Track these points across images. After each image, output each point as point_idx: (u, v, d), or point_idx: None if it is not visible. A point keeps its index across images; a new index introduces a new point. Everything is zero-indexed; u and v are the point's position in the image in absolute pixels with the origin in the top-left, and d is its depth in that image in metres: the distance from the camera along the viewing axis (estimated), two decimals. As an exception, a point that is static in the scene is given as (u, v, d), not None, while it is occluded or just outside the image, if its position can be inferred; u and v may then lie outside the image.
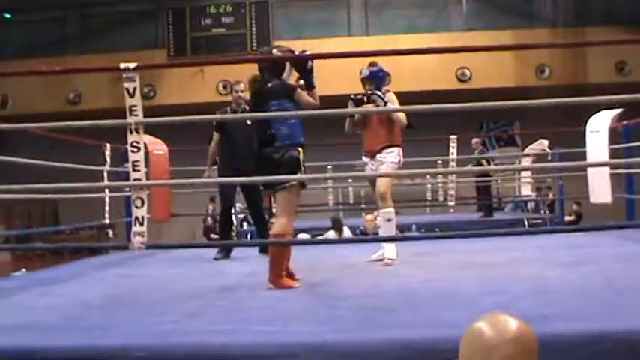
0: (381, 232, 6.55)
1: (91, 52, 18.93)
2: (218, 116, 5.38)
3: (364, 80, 6.62)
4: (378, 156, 6.54)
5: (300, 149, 5.15)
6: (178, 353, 3.15)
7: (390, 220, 6.37)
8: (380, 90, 6.49)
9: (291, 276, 5.18)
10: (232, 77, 17.76)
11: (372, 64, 6.63)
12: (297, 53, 5.52)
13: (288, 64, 5.34)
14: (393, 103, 6.51)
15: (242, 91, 7.46)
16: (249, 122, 6.68)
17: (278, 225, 5.14)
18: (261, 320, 3.80)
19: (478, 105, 5.93)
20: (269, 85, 5.28)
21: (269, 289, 4.94)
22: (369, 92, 6.46)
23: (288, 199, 5.11)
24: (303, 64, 5.33)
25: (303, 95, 5.26)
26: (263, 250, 7.11)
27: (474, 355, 1.64)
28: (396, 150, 6.55)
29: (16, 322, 3.98)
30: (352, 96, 6.48)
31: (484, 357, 1.62)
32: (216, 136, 7.47)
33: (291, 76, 5.39)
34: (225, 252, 7.41)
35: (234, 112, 7.54)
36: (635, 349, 3.03)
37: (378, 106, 6.36)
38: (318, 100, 5.30)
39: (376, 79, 6.57)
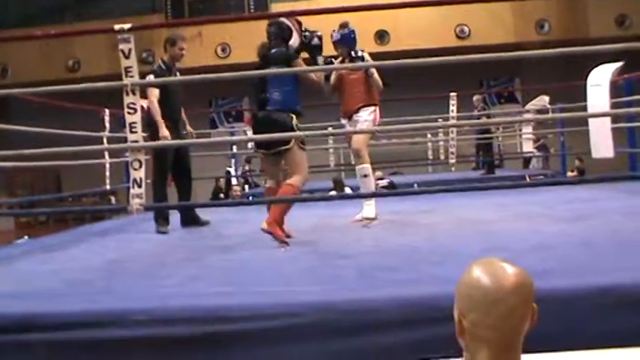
0: (361, 189, 6.56)
1: (88, 19, 18.80)
2: (212, 75, 5.31)
3: (336, 43, 6.55)
4: (354, 116, 6.53)
5: (292, 115, 5.35)
6: (179, 316, 3.14)
7: (366, 176, 6.37)
8: (351, 52, 6.43)
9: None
10: (231, 41, 17.78)
11: (342, 26, 6.54)
12: (307, 30, 5.63)
13: (295, 33, 5.49)
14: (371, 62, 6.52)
15: (183, 49, 6.96)
16: None
17: (293, 179, 5.32)
18: (262, 281, 3.79)
19: (477, 57, 5.85)
20: (273, 50, 5.50)
21: (262, 229, 5.11)
22: (354, 55, 6.41)
23: (293, 158, 5.35)
24: (308, 40, 5.54)
25: (301, 64, 5.48)
26: (186, 223, 6.90)
27: (479, 308, 1.61)
28: (371, 108, 6.52)
29: (18, 288, 3.97)
30: (324, 59, 6.10)
31: (489, 309, 1.60)
32: (156, 92, 6.57)
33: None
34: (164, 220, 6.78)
35: (168, 69, 6.80)
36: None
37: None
38: (321, 78, 5.67)
39: (348, 40, 6.49)
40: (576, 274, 3.43)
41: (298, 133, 5.33)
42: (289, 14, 5.96)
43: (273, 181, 5.67)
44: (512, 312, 1.59)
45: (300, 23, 5.63)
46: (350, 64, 6.44)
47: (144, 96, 6.15)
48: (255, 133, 5.67)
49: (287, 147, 5.30)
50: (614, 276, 3.26)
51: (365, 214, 6.23)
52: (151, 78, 6.49)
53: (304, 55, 5.65)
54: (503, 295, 1.59)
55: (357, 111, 6.50)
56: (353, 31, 6.53)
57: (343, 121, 6.75)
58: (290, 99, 5.40)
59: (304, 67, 5.48)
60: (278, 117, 5.33)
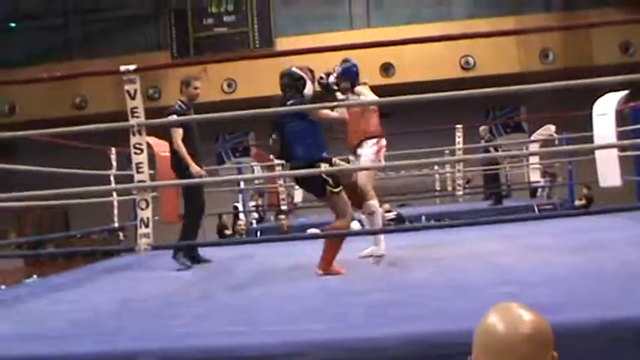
0: (367, 227, 6.46)
1: (94, 57, 18.95)
2: (218, 115, 5.37)
3: (338, 77, 6.40)
4: (358, 150, 6.39)
5: (320, 164, 5.49)
6: (189, 357, 3.13)
7: (372, 213, 6.22)
8: (354, 85, 6.32)
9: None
10: (236, 76, 17.88)
11: (344, 61, 6.48)
12: (321, 75, 5.86)
13: (309, 82, 5.65)
14: (362, 94, 6.32)
15: (198, 88, 7.13)
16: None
17: (337, 223, 5.64)
18: (271, 320, 3.78)
19: (481, 92, 5.84)
20: (289, 102, 5.60)
21: (318, 274, 5.40)
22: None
23: (333, 203, 5.58)
24: (325, 84, 5.80)
25: (321, 112, 5.58)
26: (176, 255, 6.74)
27: (491, 355, 1.60)
28: (372, 141, 6.33)
29: (27, 330, 3.98)
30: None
31: (501, 357, 1.59)
32: (181, 132, 6.72)
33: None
34: (190, 258, 6.77)
35: (188, 108, 6.95)
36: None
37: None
38: (345, 115, 5.75)
39: (350, 74, 6.37)
40: (587, 307, 3.42)
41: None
42: (294, 53, 6.00)
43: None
44: None
45: (312, 71, 5.78)
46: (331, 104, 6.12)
47: (165, 137, 6.26)
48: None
49: (326, 196, 5.55)
50: (626, 309, 3.25)
51: (374, 252, 6.13)
52: (173, 118, 6.54)
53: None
54: (516, 343, 1.58)
55: (359, 145, 6.37)
56: (355, 65, 6.46)
57: (351, 157, 6.65)
58: (314, 150, 5.56)
59: (323, 113, 5.61)
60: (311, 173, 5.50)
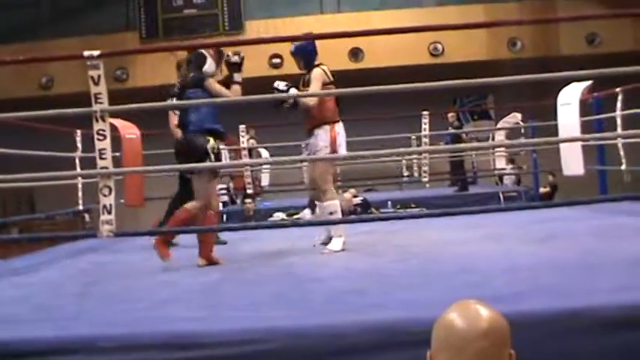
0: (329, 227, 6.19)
1: (63, 35, 18.72)
2: (182, 102, 5.39)
3: (292, 55, 6.33)
4: (311, 138, 6.19)
5: (209, 137, 5.53)
6: (149, 342, 3.13)
7: (332, 214, 6.01)
8: (310, 65, 6.17)
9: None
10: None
11: (304, 36, 6.41)
12: (229, 53, 5.81)
13: (210, 59, 5.64)
14: (313, 80, 6.10)
15: None
16: None
17: (190, 204, 5.56)
18: (232, 306, 3.80)
19: (448, 84, 5.83)
20: (190, 75, 5.70)
21: (199, 265, 5.49)
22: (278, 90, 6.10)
23: (199, 184, 5.58)
24: (228, 59, 5.76)
25: (213, 85, 5.61)
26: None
27: (448, 349, 1.63)
28: (323, 129, 6.11)
29: (-12, 314, 3.95)
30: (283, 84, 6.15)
31: (458, 351, 1.62)
32: (174, 116, 7.04)
33: (217, 69, 5.77)
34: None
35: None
36: (610, 325, 3.03)
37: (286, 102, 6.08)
38: (239, 93, 5.68)
39: (303, 53, 6.23)
40: (546, 296, 3.45)
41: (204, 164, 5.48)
42: (263, 41, 6.00)
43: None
44: (481, 355, 1.61)
45: (219, 52, 5.80)
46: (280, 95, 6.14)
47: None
48: (179, 155, 6.07)
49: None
50: (584, 298, 3.29)
51: (332, 247, 5.92)
52: (173, 100, 6.68)
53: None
54: (473, 337, 1.61)
55: (311, 131, 6.17)
56: (311, 44, 6.25)
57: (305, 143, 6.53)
58: (207, 119, 5.56)
59: (216, 88, 5.62)
60: (195, 140, 5.54)
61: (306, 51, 6.23)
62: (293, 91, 6.06)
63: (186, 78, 5.78)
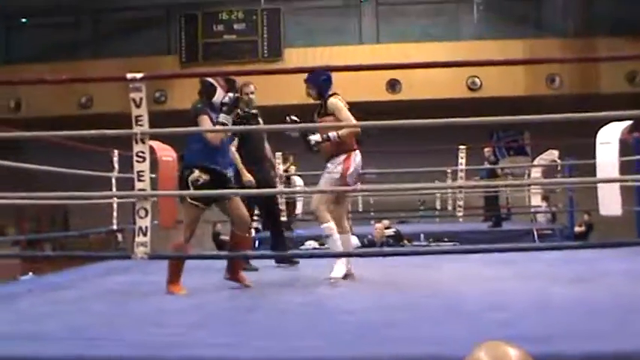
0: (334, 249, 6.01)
1: (103, 56, 19.03)
2: (219, 127, 5.40)
3: (306, 83, 6.20)
4: (326, 163, 6.09)
5: (195, 170, 5.48)
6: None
7: (328, 237, 5.94)
8: (322, 96, 6.07)
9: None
10: (243, 82, 17.86)
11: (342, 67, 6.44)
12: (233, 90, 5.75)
13: (219, 89, 5.57)
14: (338, 110, 5.98)
15: (252, 93, 7.34)
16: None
17: (176, 240, 5.60)
18: (262, 334, 3.79)
19: (485, 119, 5.81)
20: (194, 106, 5.66)
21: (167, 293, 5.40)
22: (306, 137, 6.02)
23: (184, 213, 5.67)
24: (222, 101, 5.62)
25: (203, 122, 5.53)
26: (280, 260, 7.29)
27: None
28: (340, 158, 6.01)
29: (20, 330, 3.98)
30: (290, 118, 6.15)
31: None
32: (235, 141, 7.11)
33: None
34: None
35: (245, 115, 7.22)
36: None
37: (311, 142, 5.98)
38: (216, 140, 5.50)
39: (315, 82, 6.12)
40: (577, 339, 3.41)
41: (189, 192, 5.51)
42: (302, 70, 6.02)
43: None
44: None
45: (229, 81, 5.71)
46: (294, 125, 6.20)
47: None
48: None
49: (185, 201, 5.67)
50: (617, 343, 3.25)
51: (332, 274, 5.83)
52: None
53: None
54: None
55: (327, 161, 6.06)
56: (324, 73, 6.15)
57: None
58: (197, 156, 5.53)
59: (204, 125, 5.55)
60: (182, 173, 5.64)
61: (319, 80, 6.12)
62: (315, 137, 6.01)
63: (192, 107, 5.68)
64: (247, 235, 5.79)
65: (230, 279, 5.71)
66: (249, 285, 5.71)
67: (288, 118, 6.10)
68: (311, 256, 7.70)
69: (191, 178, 5.45)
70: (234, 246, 5.76)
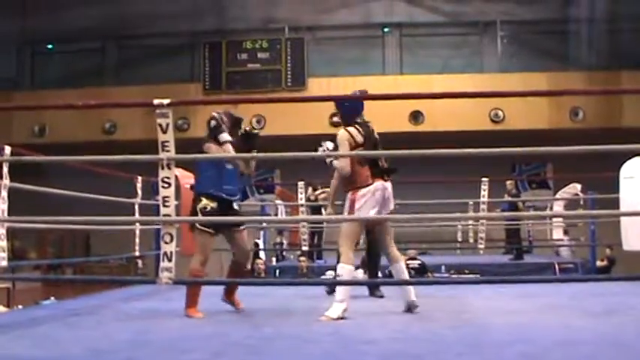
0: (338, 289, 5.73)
1: (127, 83, 19.22)
2: (241, 155, 5.46)
3: (335, 107, 6.27)
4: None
5: (202, 198, 5.75)
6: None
7: (339, 276, 5.72)
8: (347, 122, 5.94)
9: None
10: (266, 113, 17.98)
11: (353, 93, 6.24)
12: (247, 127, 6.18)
13: (223, 126, 5.89)
14: (339, 145, 5.84)
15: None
16: None
17: (191, 264, 5.80)
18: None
19: (508, 151, 5.78)
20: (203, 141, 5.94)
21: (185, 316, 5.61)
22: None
23: (196, 239, 5.82)
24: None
25: (210, 149, 5.85)
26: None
27: None
28: (349, 194, 5.84)
29: (42, 354, 4.00)
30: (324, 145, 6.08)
31: None
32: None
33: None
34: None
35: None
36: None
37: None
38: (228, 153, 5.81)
39: (343, 109, 6.06)
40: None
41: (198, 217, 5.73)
42: (323, 99, 6.04)
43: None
44: None
45: (232, 118, 6.08)
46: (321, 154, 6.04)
47: None
48: None
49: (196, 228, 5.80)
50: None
51: (329, 314, 5.51)
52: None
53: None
54: None
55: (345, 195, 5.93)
56: (350, 101, 6.11)
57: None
58: (205, 184, 5.81)
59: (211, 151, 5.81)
60: (193, 202, 5.85)
61: (344, 107, 6.10)
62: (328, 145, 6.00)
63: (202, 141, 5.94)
64: (246, 267, 6.18)
65: (226, 301, 6.04)
66: (243, 308, 6.01)
67: (322, 144, 6.04)
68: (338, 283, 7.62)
69: (199, 206, 5.72)
70: (234, 274, 6.06)
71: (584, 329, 4.90)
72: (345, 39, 20.11)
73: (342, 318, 5.51)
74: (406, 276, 6.18)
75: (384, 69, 19.90)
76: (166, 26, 20.08)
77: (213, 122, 5.87)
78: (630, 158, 8.09)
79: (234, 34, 19.88)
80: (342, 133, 5.89)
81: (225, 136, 5.77)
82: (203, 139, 5.88)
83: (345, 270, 5.67)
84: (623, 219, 8.15)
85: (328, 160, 5.87)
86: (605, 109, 17.62)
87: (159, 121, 4.74)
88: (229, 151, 5.77)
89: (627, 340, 4.44)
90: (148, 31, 20.25)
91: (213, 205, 5.69)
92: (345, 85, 17.32)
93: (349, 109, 6.06)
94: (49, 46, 21.07)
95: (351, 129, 5.90)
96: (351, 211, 5.78)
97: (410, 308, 5.85)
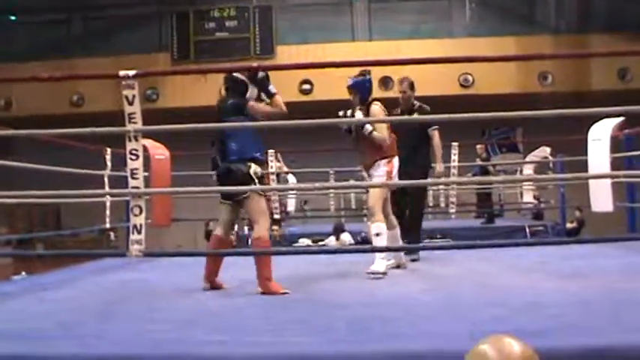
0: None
1: (95, 54, 18.96)
2: (212, 125, 5.38)
3: (349, 89, 6.47)
4: (370, 171, 6.45)
5: (250, 164, 5.37)
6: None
7: (378, 235, 6.13)
8: (365, 100, 6.34)
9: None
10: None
11: (360, 74, 6.49)
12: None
13: (251, 86, 5.50)
14: (376, 116, 6.30)
15: (404, 92, 7.70)
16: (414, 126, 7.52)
17: (257, 230, 5.42)
18: (255, 330, 3.79)
19: (477, 116, 5.86)
20: (229, 102, 5.52)
21: (259, 292, 5.12)
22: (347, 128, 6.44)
23: (252, 207, 5.42)
24: (254, 77, 5.53)
25: (258, 108, 5.50)
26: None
27: None
28: (383, 161, 6.37)
29: (13, 328, 3.97)
30: (341, 114, 6.42)
31: None
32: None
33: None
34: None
35: (403, 112, 7.61)
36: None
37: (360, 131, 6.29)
38: (282, 106, 5.49)
39: (360, 89, 6.40)
40: (571, 334, 3.42)
41: (254, 187, 5.37)
42: (293, 67, 6.01)
43: (224, 230, 5.64)
44: None
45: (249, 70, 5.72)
46: (339, 120, 6.42)
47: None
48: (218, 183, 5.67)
49: (245, 196, 5.38)
50: (611, 338, 3.26)
51: (373, 267, 5.97)
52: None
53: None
54: None
55: (372, 165, 6.42)
56: (368, 80, 6.44)
57: (364, 173, 6.69)
58: (248, 147, 5.42)
59: (263, 109, 5.51)
60: (235, 167, 5.37)
61: (364, 87, 6.41)
62: (359, 115, 6.28)
63: (222, 104, 5.58)
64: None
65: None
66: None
67: (341, 112, 6.38)
68: (318, 252, 7.65)
69: (252, 172, 5.33)
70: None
71: (553, 291, 4.95)
72: (314, 6, 19.97)
73: (399, 266, 6.36)
74: (399, 243, 6.67)
75: (353, 35, 19.82)
76: (133, -4, 19.89)
77: (261, 74, 5.51)
78: (598, 121, 8.15)
79: (201, 2, 19.69)
80: (377, 106, 6.30)
81: (273, 88, 5.51)
82: (237, 103, 5.46)
83: (382, 227, 6.15)
84: (591, 181, 8.23)
85: (368, 130, 6.22)
86: (574, 73, 17.71)
87: (125, 92, 4.69)
88: (281, 102, 5.51)
89: (593, 301, 4.50)
90: (114, 2, 20.00)
91: (259, 170, 5.43)
92: (315, 52, 17.28)
93: (368, 88, 6.44)
94: (12, 18, 20.71)
95: (379, 104, 6.34)
96: (389, 175, 6.34)
97: (399, 266, 6.56)
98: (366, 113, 6.28)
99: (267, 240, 5.46)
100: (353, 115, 6.29)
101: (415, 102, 7.72)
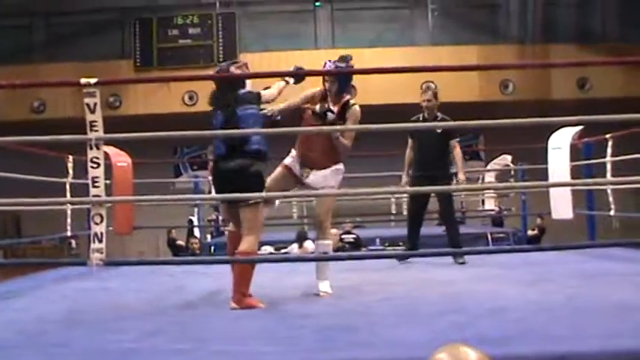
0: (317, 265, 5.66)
1: (57, 60, 18.77)
2: (175, 133, 5.34)
3: (327, 75, 5.73)
4: (321, 171, 5.57)
5: (263, 163, 5.02)
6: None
7: (325, 254, 5.61)
8: (343, 91, 5.64)
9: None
10: (198, 89, 17.81)
11: (342, 59, 5.81)
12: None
13: (248, 81, 5.32)
14: (352, 121, 5.61)
15: (429, 100, 7.81)
16: (439, 130, 7.76)
17: (246, 242, 4.96)
18: (220, 339, 3.78)
19: (439, 124, 5.91)
20: (240, 92, 5.17)
21: (232, 308, 4.86)
22: (324, 110, 5.57)
23: (254, 214, 5.00)
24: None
25: (269, 93, 5.43)
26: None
27: None
28: (338, 167, 5.63)
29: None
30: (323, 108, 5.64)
31: None
32: (410, 142, 8.18)
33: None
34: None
35: (426, 120, 7.82)
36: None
37: (328, 120, 5.54)
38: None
39: (341, 77, 5.66)
40: (532, 341, 3.47)
41: (256, 194, 4.93)
42: (256, 76, 5.96)
43: (235, 226, 5.24)
44: None
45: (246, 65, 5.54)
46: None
47: None
48: (219, 181, 5.19)
49: (252, 202, 4.94)
50: (571, 344, 3.31)
51: (321, 288, 5.50)
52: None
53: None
54: None
55: (323, 168, 5.55)
56: (351, 67, 5.83)
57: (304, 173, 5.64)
58: (261, 145, 5.01)
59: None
60: (256, 165, 4.97)
61: (345, 75, 5.78)
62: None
63: (225, 97, 5.18)
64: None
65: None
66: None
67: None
68: (280, 260, 7.63)
69: (262, 169, 4.98)
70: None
71: (514, 298, 5.01)
72: (277, 13, 20.00)
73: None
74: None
75: (316, 43, 19.87)
76: (95, 2, 19.72)
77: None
78: (558, 129, 8.27)
79: (164, 9, 19.60)
80: (358, 109, 5.69)
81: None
82: (251, 93, 5.22)
83: (330, 247, 5.71)
84: (551, 189, 8.34)
85: (335, 135, 5.49)
86: (534, 82, 17.91)
87: (86, 100, 4.67)
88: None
89: (554, 307, 4.56)
90: (77, 8, 19.83)
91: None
92: (278, 60, 17.25)
93: (350, 78, 5.87)
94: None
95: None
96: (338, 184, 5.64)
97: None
98: (342, 110, 5.61)
99: (253, 252, 5.04)
100: (330, 108, 5.58)
101: (438, 113, 7.89)
